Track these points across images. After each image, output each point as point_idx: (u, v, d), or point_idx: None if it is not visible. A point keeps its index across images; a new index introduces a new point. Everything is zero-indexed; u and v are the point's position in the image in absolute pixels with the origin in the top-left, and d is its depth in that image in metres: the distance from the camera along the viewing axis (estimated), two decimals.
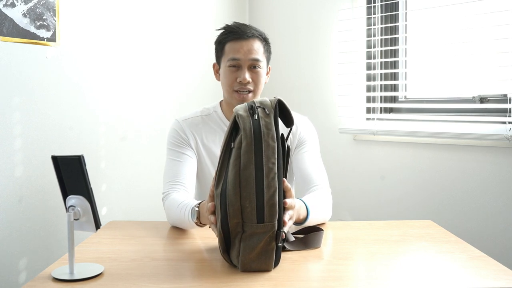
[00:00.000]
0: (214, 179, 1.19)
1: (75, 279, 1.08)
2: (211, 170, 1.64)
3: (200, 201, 1.41)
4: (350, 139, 2.65)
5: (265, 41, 1.64)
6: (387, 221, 1.62)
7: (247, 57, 1.57)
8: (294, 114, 1.26)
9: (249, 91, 1.59)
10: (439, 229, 1.52)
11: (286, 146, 1.25)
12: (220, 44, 1.63)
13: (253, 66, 1.59)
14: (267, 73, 1.67)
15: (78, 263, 1.16)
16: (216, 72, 1.68)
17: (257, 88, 1.61)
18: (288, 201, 1.17)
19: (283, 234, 1.13)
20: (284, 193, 1.16)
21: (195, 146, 1.65)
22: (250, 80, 1.58)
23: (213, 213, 1.20)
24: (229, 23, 1.64)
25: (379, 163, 2.53)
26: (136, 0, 2.43)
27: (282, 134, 1.26)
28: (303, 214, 1.36)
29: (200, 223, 1.39)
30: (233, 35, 1.59)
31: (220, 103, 1.71)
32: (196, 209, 1.37)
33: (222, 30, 1.63)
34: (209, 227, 1.28)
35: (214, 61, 1.69)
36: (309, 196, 1.50)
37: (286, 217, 1.16)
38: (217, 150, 1.63)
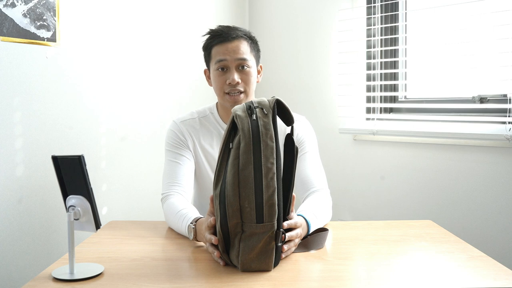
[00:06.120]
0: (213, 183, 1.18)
1: (75, 279, 1.08)
2: (209, 171, 1.64)
3: (197, 217, 1.37)
4: (350, 139, 2.65)
5: (251, 40, 1.62)
6: (387, 221, 1.62)
7: (233, 57, 1.56)
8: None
9: (240, 92, 1.57)
10: (439, 229, 1.52)
11: (295, 147, 1.24)
12: (207, 49, 1.62)
13: (241, 66, 1.57)
14: (258, 72, 1.65)
15: (78, 263, 1.17)
16: (208, 78, 1.67)
17: (248, 88, 1.59)
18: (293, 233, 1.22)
19: (283, 234, 1.13)
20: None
21: (193, 148, 1.64)
22: (240, 81, 1.56)
23: (214, 232, 1.19)
24: (214, 27, 1.62)
25: (379, 163, 2.53)
26: (136, 0, 2.43)
27: (290, 135, 1.25)
28: (304, 232, 1.32)
29: (197, 240, 1.36)
30: (218, 38, 1.58)
31: (217, 104, 1.70)
32: (193, 227, 1.34)
33: (207, 36, 1.62)
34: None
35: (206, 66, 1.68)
36: (308, 204, 1.46)
37: (291, 244, 1.22)
38: (214, 151, 1.63)
